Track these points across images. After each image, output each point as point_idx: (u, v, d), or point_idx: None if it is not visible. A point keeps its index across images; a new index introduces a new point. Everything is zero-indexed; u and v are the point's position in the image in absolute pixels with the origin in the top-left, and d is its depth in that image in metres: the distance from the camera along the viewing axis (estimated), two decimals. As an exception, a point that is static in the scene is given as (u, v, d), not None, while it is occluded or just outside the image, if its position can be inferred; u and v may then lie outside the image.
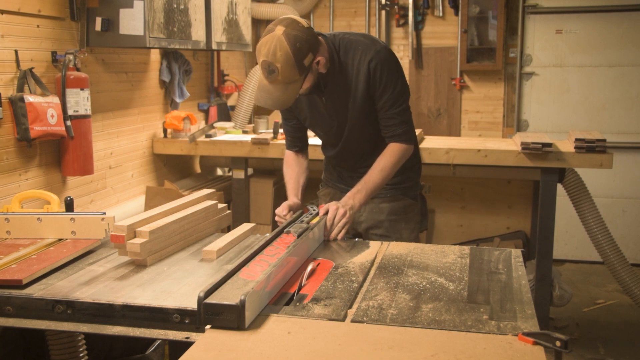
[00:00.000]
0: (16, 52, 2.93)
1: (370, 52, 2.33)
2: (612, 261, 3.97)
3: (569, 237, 5.50)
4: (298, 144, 2.66)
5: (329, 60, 2.30)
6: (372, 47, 2.35)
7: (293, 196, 2.50)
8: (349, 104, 2.38)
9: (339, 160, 2.62)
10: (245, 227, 2.30)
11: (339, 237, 2.23)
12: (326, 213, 2.26)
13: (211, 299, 1.49)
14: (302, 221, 2.14)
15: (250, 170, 4.34)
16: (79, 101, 3.16)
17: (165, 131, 4.25)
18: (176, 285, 1.74)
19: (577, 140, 3.63)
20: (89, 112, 3.22)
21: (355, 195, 2.33)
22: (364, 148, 2.52)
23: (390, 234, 2.54)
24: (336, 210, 2.25)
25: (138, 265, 1.91)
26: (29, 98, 2.89)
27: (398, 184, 2.56)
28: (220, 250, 2.04)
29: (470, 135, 5.67)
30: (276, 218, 2.40)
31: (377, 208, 2.56)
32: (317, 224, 2.15)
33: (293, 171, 2.61)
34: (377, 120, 2.43)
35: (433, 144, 3.89)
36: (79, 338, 2.13)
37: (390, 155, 2.40)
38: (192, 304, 1.54)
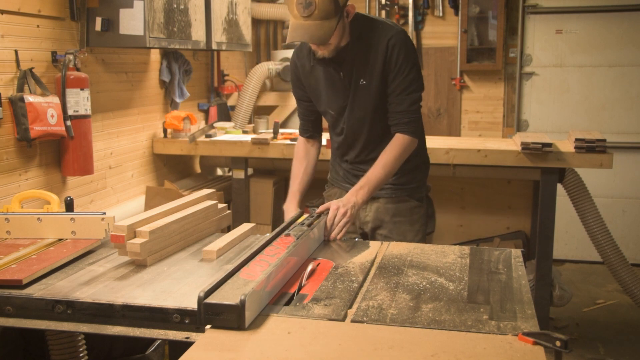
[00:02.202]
0: (16, 52, 2.93)
1: (390, 31, 2.36)
2: (612, 261, 3.97)
3: (569, 237, 5.50)
4: (310, 129, 2.63)
5: (349, 33, 2.33)
6: (393, 28, 2.38)
7: (294, 203, 2.48)
8: (365, 80, 2.38)
9: (346, 148, 2.58)
10: (245, 227, 2.30)
11: (339, 237, 2.23)
12: (327, 212, 2.25)
13: (211, 299, 1.49)
14: (303, 224, 2.13)
15: (250, 170, 4.34)
16: (79, 101, 3.16)
17: (165, 131, 4.25)
18: (176, 285, 1.74)
19: (577, 140, 3.63)
20: (89, 112, 3.22)
21: (357, 192, 2.32)
22: (372, 135, 2.48)
23: (394, 236, 2.52)
24: (337, 210, 2.25)
25: (138, 265, 1.91)
26: (29, 98, 2.89)
27: (404, 184, 2.53)
28: (221, 250, 2.04)
29: (470, 135, 5.67)
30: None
31: (383, 208, 2.55)
32: (317, 224, 2.15)
33: (299, 168, 2.58)
34: (387, 110, 2.42)
35: (433, 144, 3.88)
36: (79, 338, 2.12)
37: (393, 148, 2.38)
38: (192, 304, 1.54)
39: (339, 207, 2.26)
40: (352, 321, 1.53)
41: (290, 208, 2.45)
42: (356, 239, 2.28)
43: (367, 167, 2.47)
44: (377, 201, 2.54)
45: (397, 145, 2.39)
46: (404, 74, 2.35)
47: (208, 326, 1.49)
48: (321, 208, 2.28)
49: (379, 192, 2.48)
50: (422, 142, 2.58)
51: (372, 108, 2.42)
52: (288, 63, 5.19)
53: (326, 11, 2.17)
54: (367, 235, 2.60)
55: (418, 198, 2.58)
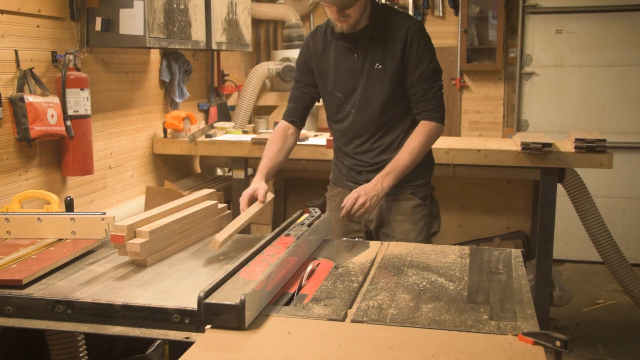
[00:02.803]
0: (16, 52, 2.93)
1: (410, 20, 2.42)
2: (612, 261, 3.97)
3: (569, 237, 5.50)
4: (297, 115, 2.61)
5: (368, 16, 2.36)
6: (412, 18, 2.46)
7: (261, 177, 2.44)
8: (381, 65, 2.40)
9: (350, 136, 2.55)
10: (255, 208, 2.28)
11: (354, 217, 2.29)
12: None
13: (211, 299, 1.49)
14: (303, 224, 2.13)
15: (250, 170, 4.34)
16: (79, 101, 3.16)
17: (165, 131, 4.25)
18: (176, 285, 1.74)
19: (577, 140, 3.63)
20: (89, 112, 3.22)
21: (384, 179, 2.34)
22: (380, 122, 2.48)
23: (396, 234, 2.51)
24: (356, 199, 2.28)
25: (138, 265, 1.91)
26: (29, 98, 2.89)
27: (407, 181, 2.49)
28: (225, 240, 2.03)
29: (470, 135, 5.67)
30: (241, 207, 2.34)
31: (385, 206, 2.53)
32: (317, 224, 2.15)
33: (274, 147, 2.54)
34: (399, 98, 2.44)
35: (433, 144, 3.88)
36: (79, 338, 2.12)
37: (420, 134, 2.40)
38: (192, 304, 1.54)
39: (360, 195, 2.28)
40: (352, 321, 1.53)
41: (255, 182, 2.41)
42: (356, 239, 2.28)
43: (369, 158, 2.47)
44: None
45: (423, 131, 2.41)
46: (426, 63, 2.39)
47: (208, 326, 1.49)
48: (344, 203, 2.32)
49: None
50: None
51: (385, 94, 2.43)
52: (288, 63, 5.21)
53: None
54: (372, 234, 2.59)
55: (422, 197, 2.56)
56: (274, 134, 2.60)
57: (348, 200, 2.29)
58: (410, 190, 2.53)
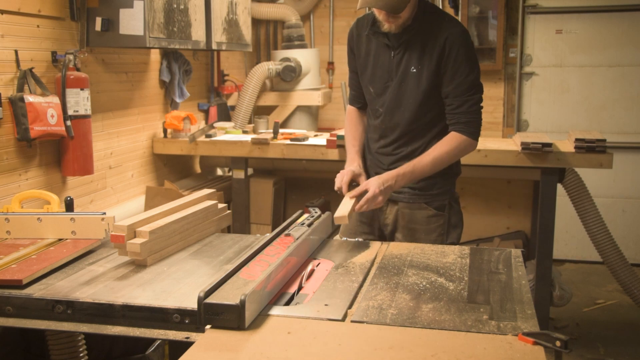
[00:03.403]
0: (16, 52, 2.93)
1: (452, 28, 2.30)
2: (612, 261, 3.97)
3: (569, 237, 5.50)
4: (362, 100, 2.56)
5: (411, 16, 2.28)
6: (457, 25, 2.33)
7: (357, 158, 2.41)
8: (416, 69, 2.32)
9: (378, 135, 2.48)
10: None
11: (357, 208, 2.22)
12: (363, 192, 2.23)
13: (211, 299, 1.49)
14: (303, 224, 2.13)
15: (250, 170, 4.34)
16: (79, 101, 3.16)
17: (165, 131, 4.25)
18: (176, 285, 1.74)
19: (577, 140, 3.63)
20: (89, 112, 3.22)
21: (398, 177, 2.27)
22: (404, 131, 2.40)
23: (408, 242, 2.38)
24: (373, 197, 2.21)
25: (138, 265, 1.91)
26: (29, 98, 2.89)
27: (421, 189, 2.42)
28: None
29: (470, 135, 5.66)
30: (336, 187, 2.31)
31: (401, 212, 2.47)
32: (321, 221, 2.15)
33: (356, 130, 2.52)
34: (429, 107, 2.35)
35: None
36: (79, 338, 2.12)
37: (448, 144, 2.30)
38: (192, 304, 1.54)
39: (377, 193, 2.21)
40: (352, 321, 1.53)
41: (353, 167, 2.37)
42: (357, 239, 2.28)
43: (388, 162, 2.42)
44: (396, 204, 2.46)
45: (453, 142, 2.31)
46: (463, 75, 2.28)
47: (208, 326, 1.49)
48: (362, 187, 2.24)
49: (398, 195, 2.43)
50: None
51: (417, 100, 2.34)
52: (288, 63, 5.21)
53: None
54: (386, 238, 2.52)
55: (438, 206, 2.46)
56: (350, 118, 2.58)
57: (369, 195, 2.20)
58: (425, 199, 2.44)
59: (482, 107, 2.36)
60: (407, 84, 2.35)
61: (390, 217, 2.50)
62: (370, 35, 2.38)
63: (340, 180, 2.32)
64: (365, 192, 2.24)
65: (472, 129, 2.33)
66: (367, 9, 2.38)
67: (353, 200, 2.18)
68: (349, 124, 2.58)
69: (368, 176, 2.42)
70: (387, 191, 2.25)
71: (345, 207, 2.15)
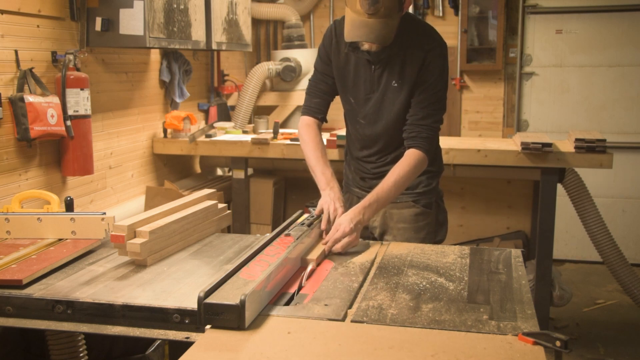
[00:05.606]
0: (16, 52, 2.93)
1: (432, 42, 2.28)
2: (612, 261, 3.97)
3: (569, 237, 5.50)
4: (323, 111, 2.48)
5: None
6: (438, 37, 2.30)
7: (335, 184, 2.29)
8: (397, 84, 2.29)
9: (360, 145, 2.47)
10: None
11: (334, 250, 2.08)
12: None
13: (211, 299, 1.49)
14: (303, 224, 2.13)
15: (250, 170, 4.34)
16: (79, 101, 3.16)
17: (165, 131, 4.25)
18: (176, 285, 1.74)
19: (577, 140, 3.63)
20: (89, 112, 3.22)
21: (365, 210, 2.17)
22: (386, 141, 2.39)
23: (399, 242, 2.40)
24: (349, 237, 2.08)
25: (138, 265, 1.91)
26: (29, 98, 2.89)
27: (409, 189, 2.42)
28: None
29: (470, 135, 5.67)
30: (323, 226, 2.17)
31: (388, 214, 2.47)
32: (319, 224, 2.15)
33: (322, 147, 2.39)
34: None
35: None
36: (79, 338, 2.13)
37: (407, 164, 2.26)
38: (192, 304, 1.54)
39: (346, 230, 2.08)
40: (352, 321, 1.53)
41: (334, 195, 2.24)
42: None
43: (373, 168, 2.41)
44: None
45: (412, 161, 2.27)
46: (435, 89, 2.28)
47: (208, 326, 1.49)
48: (333, 230, 2.11)
49: None
50: (437, 146, 2.50)
51: (398, 112, 2.33)
52: (288, 63, 5.21)
53: (390, 8, 2.09)
54: (376, 240, 2.51)
55: (425, 204, 2.47)
56: (311, 137, 2.43)
57: (330, 233, 2.09)
58: (412, 197, 2.45)
59: (439, 129, 2.35)
60: (389, 97, 2.33)
61: (378, 219, 2.50)
62: (350, 51, 2.33)
63: (334, 211, 2.18)
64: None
65: (429, 146, 2.31)
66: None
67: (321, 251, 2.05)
68: (311, 141, 2.41)
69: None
70: (357, 227, 2.13)
71: (316, 251, 2.03)
